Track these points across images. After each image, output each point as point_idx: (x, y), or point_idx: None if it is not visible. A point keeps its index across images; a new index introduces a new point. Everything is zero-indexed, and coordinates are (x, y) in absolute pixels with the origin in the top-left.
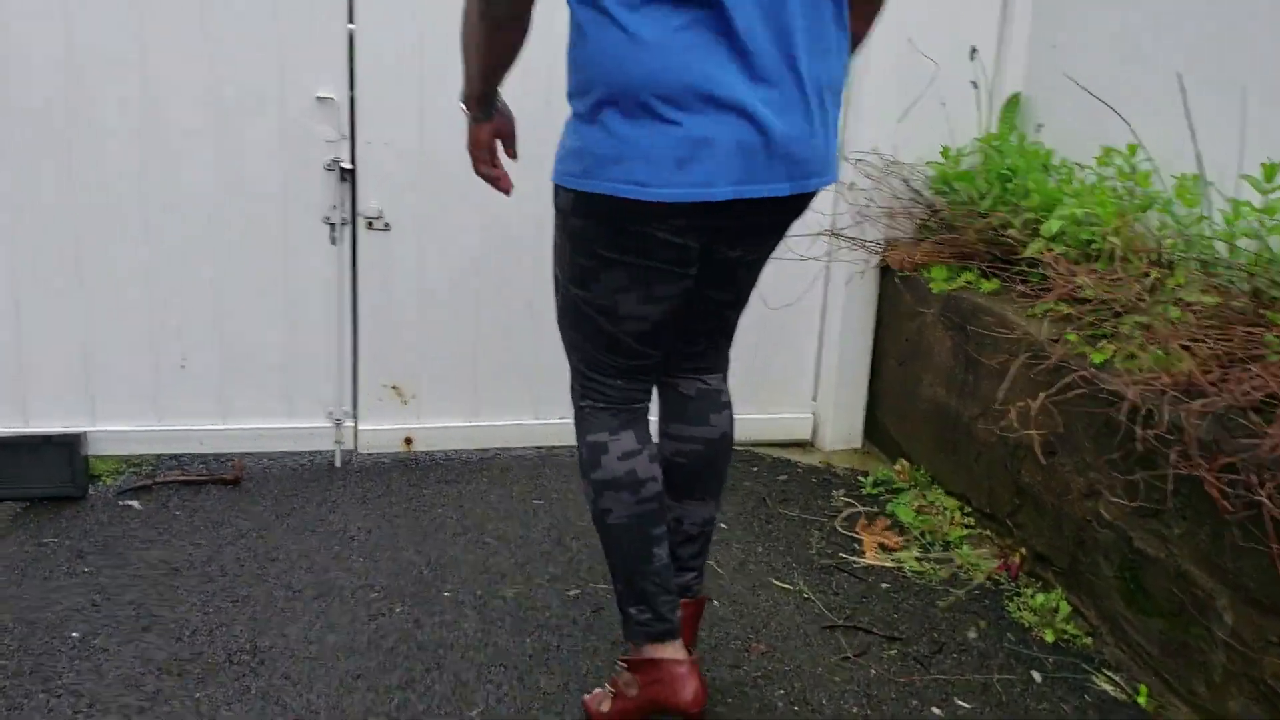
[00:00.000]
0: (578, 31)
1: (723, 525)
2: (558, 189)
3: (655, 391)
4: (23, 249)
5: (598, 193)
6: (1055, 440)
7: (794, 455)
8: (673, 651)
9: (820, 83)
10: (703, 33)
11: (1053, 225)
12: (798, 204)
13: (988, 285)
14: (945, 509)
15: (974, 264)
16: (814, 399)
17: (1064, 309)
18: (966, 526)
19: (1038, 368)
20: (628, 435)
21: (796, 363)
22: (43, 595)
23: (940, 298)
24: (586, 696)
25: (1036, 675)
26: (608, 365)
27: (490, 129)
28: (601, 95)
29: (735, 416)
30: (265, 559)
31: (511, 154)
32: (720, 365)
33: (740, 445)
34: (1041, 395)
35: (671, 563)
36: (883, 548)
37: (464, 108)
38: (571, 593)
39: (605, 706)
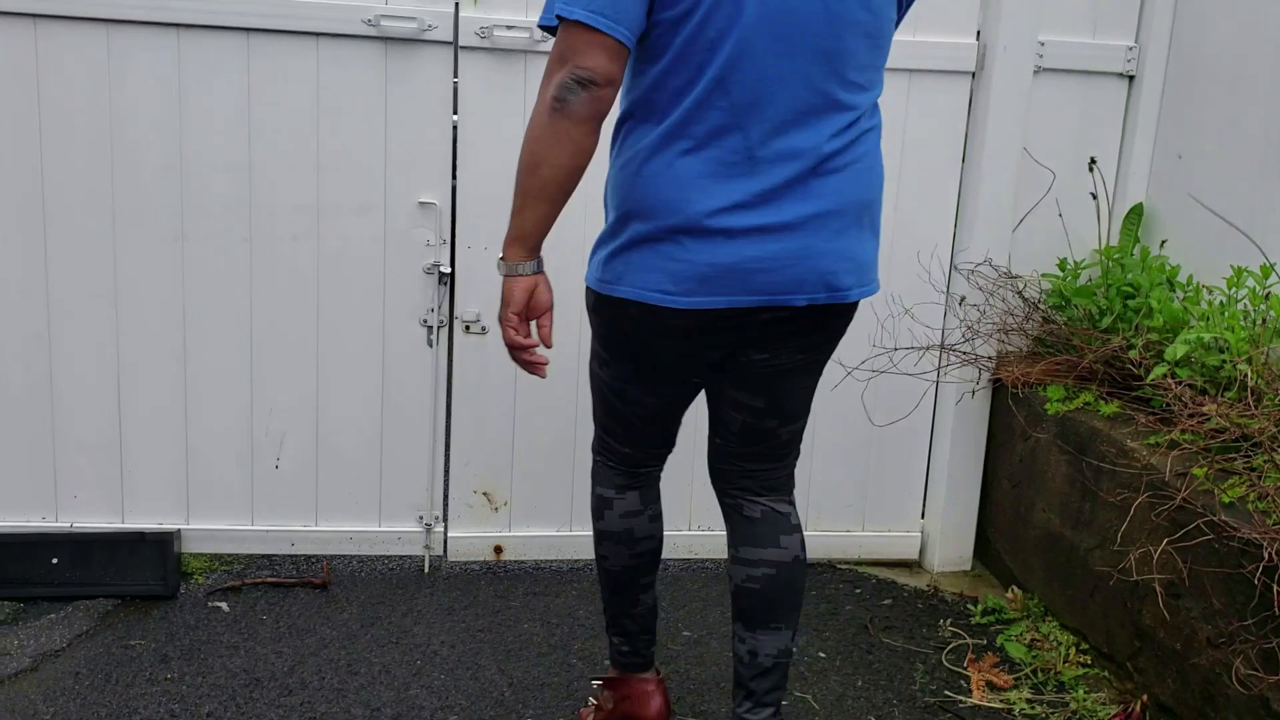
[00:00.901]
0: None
1: (821, 654)
2: (587, 289)
3: (722, 514)
4: (126, 345)
5: (615, 296)
6: (1179, 583)
7: (900, 576)
8: (642, 674)
9: (861, 197)
10: (728, 157)
11: (1178, 350)
12: (831, 314)
13: (1107, 409)
14: (1060, 644)
15: (1092, 385)
16: (922, 517)
17: (1188, 440)
18: (1083, 665)
19: (1160, 507)
20: (633, 495)
21: (904, 480)
22: (123, 703)
23: (1056, 419)
24: (581, 709)
25: None
26: (619, 434)
27: (526, 286)
28: (626, 214)
29: (840, 533)
30: (347, 672)
31: (545, 338)
32: (784, 487)
33: (844, 564)
34: (1164, 541)
35: (657, 611)
36: (991, 686)
37: (501, 259)
38: None
39: (591, 719)
